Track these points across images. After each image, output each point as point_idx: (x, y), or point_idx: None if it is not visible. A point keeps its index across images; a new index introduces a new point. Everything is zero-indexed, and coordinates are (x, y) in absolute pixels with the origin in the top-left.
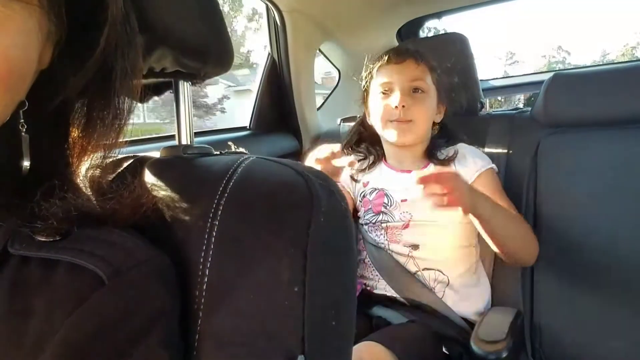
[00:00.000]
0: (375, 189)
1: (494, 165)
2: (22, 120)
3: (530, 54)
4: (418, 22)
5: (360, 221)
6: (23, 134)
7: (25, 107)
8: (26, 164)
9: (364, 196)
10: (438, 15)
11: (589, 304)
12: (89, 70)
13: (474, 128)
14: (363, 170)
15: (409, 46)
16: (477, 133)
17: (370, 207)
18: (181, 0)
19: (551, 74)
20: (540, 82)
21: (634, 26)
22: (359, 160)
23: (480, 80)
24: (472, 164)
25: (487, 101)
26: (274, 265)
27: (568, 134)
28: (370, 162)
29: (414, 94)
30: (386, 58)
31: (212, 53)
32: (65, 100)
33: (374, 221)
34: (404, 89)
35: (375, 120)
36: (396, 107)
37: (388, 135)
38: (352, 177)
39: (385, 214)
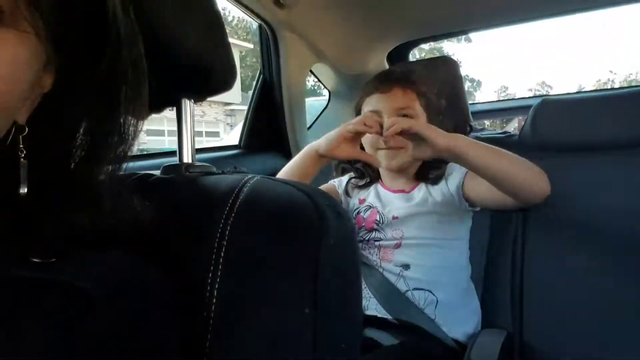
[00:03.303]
0: (370, 207)
1: None
2: (21, 146)
3: (520, 88)
4: (408, 46)
5: None
6: (22, 159)
7: (25, 133)
8: (23, 190)
9: (358, 213)
10: (427, 40)
11: (578, 326)
12: (92, 96)
13: None
14: (360, 187)
15: (396, 71)
16: None
17: (363, 224)
18: (189, 19)
19: (539, 99)
20: (528, 107)
21: (606, 65)
22: (355, 177)
23: (470, 103)
24: (459, 172)
25: (486, 124)
26: (285, 287)
27: (555, 158)
28: (368, 180)
29: None
30: (372, 87)
31: (216, 71)
32: (69, 125)
33: (367, 238)
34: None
35: (365, 146)
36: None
37: (379, 160)
38: (346, 192)
39: (378, 231)
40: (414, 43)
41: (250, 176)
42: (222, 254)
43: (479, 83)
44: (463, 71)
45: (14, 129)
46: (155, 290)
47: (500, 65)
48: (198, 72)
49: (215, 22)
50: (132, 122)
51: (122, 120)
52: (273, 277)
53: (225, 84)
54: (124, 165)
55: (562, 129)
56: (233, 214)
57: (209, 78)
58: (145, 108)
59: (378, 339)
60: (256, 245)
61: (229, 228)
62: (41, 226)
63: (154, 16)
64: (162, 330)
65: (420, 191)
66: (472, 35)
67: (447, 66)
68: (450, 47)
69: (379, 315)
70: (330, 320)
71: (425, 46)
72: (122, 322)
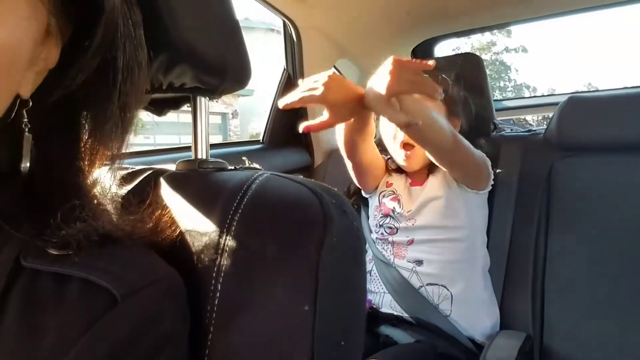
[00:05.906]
0: (393, 193)
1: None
2: (25, 120)
3: (566, 89)
4: (433, 42)
5: (370, 222)
6: (26, 133)
7: (29, 106)
8: (25, 165)
9: (383, 196)
10: (453, 35)
11: (600, 329)
12: (90, 63)
13: (487, 149)
14: (394, 170)
15: None
16: (489, 154)
17: (381, 208)
18: (202, 18)
19: (566, 97)
20: (552, 104)
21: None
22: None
23: (494, 100)
24: None
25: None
26: (285, 284)
27: (582, 157)
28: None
29: None
30: None
31: (230, 70)
32: (71, 101)
33: (381, 223)
34: None
35: (385, 144)
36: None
37: (397, 160)
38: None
39: (392, 218)
40: (440, 38)
41: (260, 173)
42: (227, 250)
43: (534, 89)
44: (519, 79)
45: (18, 103)
46: (171, 286)
47: (552, 70)
48: (213, 71)
49: (230, 22)
50: (130, 92)
51: (120, 95)
52: (274, 274)
53: (239, 83)
54: (128, 139)
55: (589, 128)
56: (240, 211)
57: (224, 77)
58: (146, 80)
59: (394, 337)
60: (259, 242)
61: (234, 225)
62: (66, 230)
63: (171, 20)
64: (176, 327)
65: (429, 182)
66: (528, 44)
67: (469, 61)
68: (508, 58)
69: (395, 313)
70: (330, 317)
71: (487, 57)
72: (141, 319)
